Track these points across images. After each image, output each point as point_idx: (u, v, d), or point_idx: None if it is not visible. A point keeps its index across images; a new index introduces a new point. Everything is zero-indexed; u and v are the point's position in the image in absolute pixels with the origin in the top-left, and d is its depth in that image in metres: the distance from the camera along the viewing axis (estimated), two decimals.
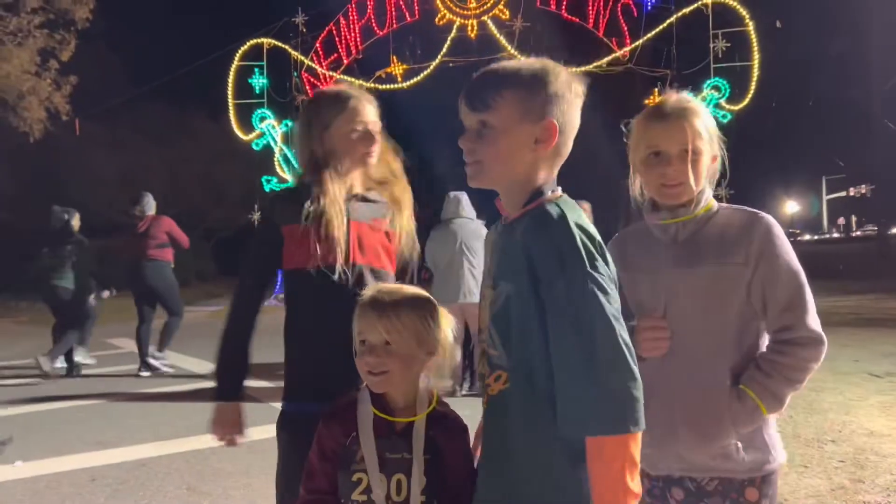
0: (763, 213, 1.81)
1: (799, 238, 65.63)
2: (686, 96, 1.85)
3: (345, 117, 2.15)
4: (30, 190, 25.20)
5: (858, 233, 65.53)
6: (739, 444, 1.75)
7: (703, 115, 1.81)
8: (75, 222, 8.25)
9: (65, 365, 8.13)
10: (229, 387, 2.14)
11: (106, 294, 8.28)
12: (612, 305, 1.36)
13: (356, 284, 2.04)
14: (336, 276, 2.04)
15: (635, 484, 1.32)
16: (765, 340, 1.83)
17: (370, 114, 2.19)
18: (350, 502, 1.62)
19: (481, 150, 1.51)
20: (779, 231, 1.79)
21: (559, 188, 1.54)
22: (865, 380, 6.68)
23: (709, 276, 1.76)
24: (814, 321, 1.76)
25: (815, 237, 67.02)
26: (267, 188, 16.08)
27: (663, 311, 1.80)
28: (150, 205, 8.30)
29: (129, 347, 8.74)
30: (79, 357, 8.33)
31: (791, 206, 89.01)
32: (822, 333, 1.77)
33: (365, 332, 1.65)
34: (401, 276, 2.28)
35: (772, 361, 1.75)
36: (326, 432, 1.67)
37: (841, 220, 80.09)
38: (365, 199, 2.22)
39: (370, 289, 1.74)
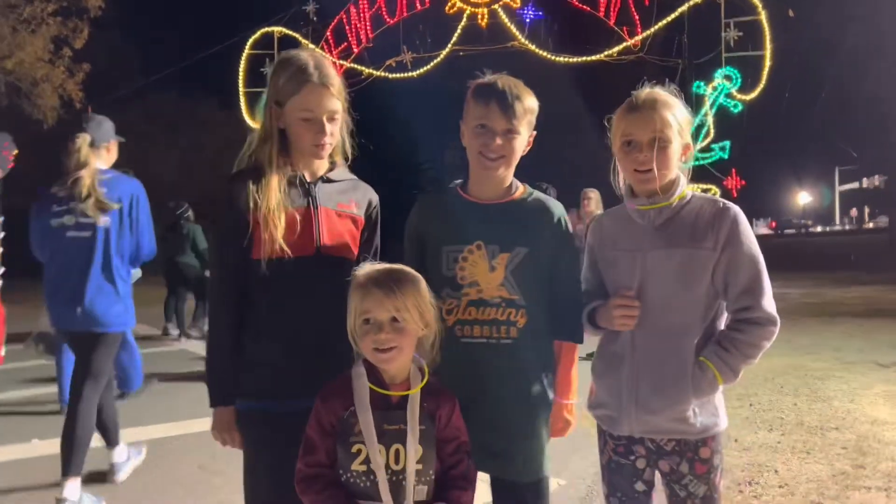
0: (731, 204, 2.01)
1: (811, 230, 65.17)
2: (658, 89, 2.01)
3: (298, 101, 1.98)
4: (45, 177, 25.42)
5: (871, 224, 65.00)
6: (696, 410, 1.96)
7: (674, 106, 1.98)
8: (190, 213, 9.83)
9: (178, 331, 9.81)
10: (220, 393, 2.03)
11: None
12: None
13: (322, 276, 2.00)
14: (293, 267, 1.96)
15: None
16: (723, 320, 2.02)
17: (329, 103, 2.00)
18: (350, 472, 1.68)
19: (508, 148, 2.02)
20: (744, 220, 1.97)
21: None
22: (871, 369, 6.71)
23: (683, 258, 1.94)
24: (769, 304, 1.94)
25: (827, 229, 66.50)
26: None
27: (637, 288, 1.98)
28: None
29: (142, 331, 8.87)
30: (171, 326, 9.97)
31: (803, 198, 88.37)
32: (776, 315, 1.95)
33: (372, 311, 1.71)
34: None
35: (731, 338, 1.95)
36: (324, 408, 1.73)
37: (853, 212, 79.47)
38: (329, 181, 2.12)
39: (364, 269, 1.77)
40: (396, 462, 1.69)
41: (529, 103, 2.04)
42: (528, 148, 2.11)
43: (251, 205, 1.96)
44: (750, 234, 1.96)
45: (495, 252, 2.02)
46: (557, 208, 2.15)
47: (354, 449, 1.68)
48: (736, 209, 1.98)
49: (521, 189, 2.14)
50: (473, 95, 2.05)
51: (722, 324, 2.03)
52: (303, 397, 1.91)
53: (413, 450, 1.69)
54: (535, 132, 2.10)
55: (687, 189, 2.04)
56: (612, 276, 2.08)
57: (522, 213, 2.10)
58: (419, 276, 1.79)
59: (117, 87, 22.42)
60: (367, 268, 1.78)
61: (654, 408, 1.96)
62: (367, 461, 1.68)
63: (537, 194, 2.16)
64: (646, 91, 2.01)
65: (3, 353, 5.40)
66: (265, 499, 1.98)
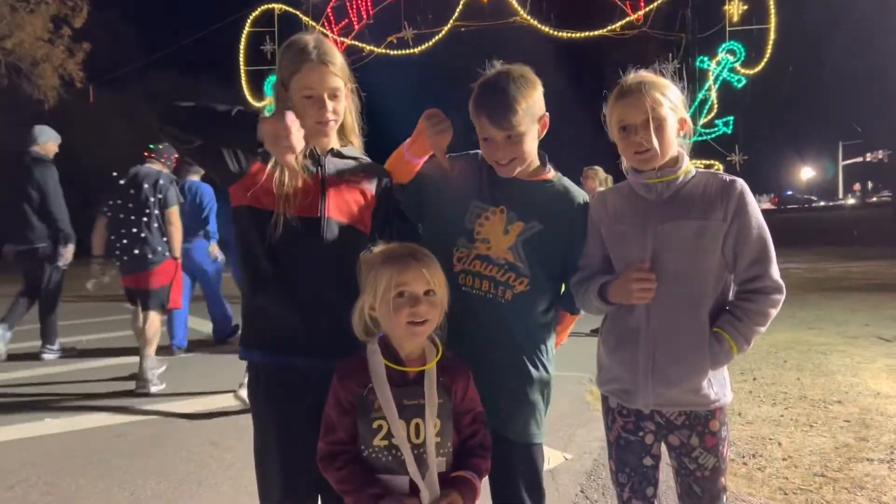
0: (737, 178, 2.03)
1: (814, 205, 64.88)
2: (643, 72, 2.06)
3: (300, 79, 2.02)
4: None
5: (874, 199, 64.73)
6: (710, 380, 2.01)
7: (663, 85, 2.01)
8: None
9: None
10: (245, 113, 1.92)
11: None
12: None
13: (326, 239, 2.03)
14: (298, 227, 1.99)
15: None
16: (730, 291, 2.07)
17: (329, 80, 2.03)
18: (371, 448, 1.71)
19: (518, 150, 2.09)
20: (750, 193, 2.02)
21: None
22: (874, 343, 6.75)
23: (694, 229, 1.98)
24: (776, 273, 2.00)
25: (830, 203, 66.18)
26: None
27: (650, 262, 2.00)
28: None
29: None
30: None
31: (806, 172, 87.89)
32: (783, 284, 2.00)
33: (410, 283, 1.74)
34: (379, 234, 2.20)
35: (742, 308, 1.99)
36: (342, 387, 1.75)
37: (857, 187, 79.06)
38: (341, 155, 2.15)
39: (389, 246, 1.81)
40: (417, 436, 1.72)
41: (529, 101, 2.04)
42: (545, 131, 2.16)
43: (264, 154, 1.98)
44: (756, 206, 2.01)
45: (513, 219, 2.13)
46: (580, 195, 2.25)
47: (375, 425, 1.71)
48: (742, 182, 2.02)
49: (551, 173, 2.23)
50: (473, 105, 2.09)
51: (730, 296, 2.07)
52: (304, 354, 1.97)
53: (432, 423, 1.72)
54: (546, 114, 2.13)
55: (690, 165, 2.08)
56: (622, 250, 2.09)
57: (547, 194, 2.19)
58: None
59: (117, 67, 22.32)
60: (391, 245, 1.82)
61: (671, 380, 1.99)
62: (388, 436, 1.71)
63: (566, 181, 2.25)
64: (632, 75, 2.06)
65: (181, 304, 6.47)
66: (273, 450, 2.02)
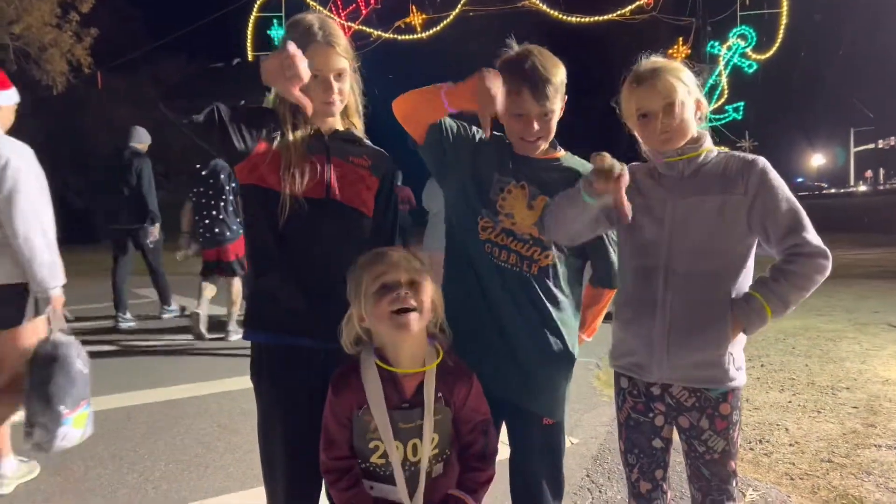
0: (757, 156, 2.04)
1: (824, 192, 64.43)
2: (655, 58, 2.07)
3: (306, 58, 1.94)
4: (55, 142, 25.55)
5: (886, 186, 64.24)
6: (733, 355, 2.00)
7: (675, 69, 2.03)
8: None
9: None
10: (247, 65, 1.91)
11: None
12: None
13: (331, 220, 2.03)
14: (303, 208, 1.99)
15: None
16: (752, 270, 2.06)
17: (334, 61, 2.03)
18: (368, 463, 1.72)
19: (546, 129, 2.12)
20: (773, 170, 2.01)
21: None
22: (884, 330, 6.72)
23: (717, 203, 1.98)
24: (815, 237, 1.96)
25: (841, 190, 65.64)
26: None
27: (669, 235, 2.01)
28: None
29: (154, 297, 8.97)
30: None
31: (817, 159, 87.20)
32: (826, 248, 1.95)
33: (388, 272, 1.70)
34: (380, 220, 2.20)
35: (779, 269, 1.97)
36: (337, 402, 1.73)
37: (868, 174, 78.46)
38: (344, 138, 2.15)
39: (368, 252, 1.79)
40: (414, 455, 1.72)
41: (560, 78, 2.08)
42: (562, 112, 2.17)
43: (269, 134, 2.00)
44: (780, 180, 2.00)
45: (535, 194, 2.13)
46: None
47: (372, 445, 1.71)
48: (763, 160, 2.03)
49: (561, 152, 2.24)
50: (511, 78, 2.01)
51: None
52: (308, 335, 1.97)
53: (429, 442, 1.71)
54: (566, 96, 2.15)
55: (711, 144, 2.09)
56: (642, 222, 2.05)
57: (561, 170, 2.19)
58: None
59: (125, 52, 22.31)
60: (373, 250, 1.80)
61: (687, 353, 1.99)
62: (385, 455, 1.71)
63: (576, 158, 2.26)
64: (644, 62, 2.07)
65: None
66: (277, 430, 2.03)
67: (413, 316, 1.67)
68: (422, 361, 1.75)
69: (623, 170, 1.83)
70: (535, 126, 2.08)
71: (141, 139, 8.34)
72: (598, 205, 1.93)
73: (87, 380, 3.22)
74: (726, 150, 2.15)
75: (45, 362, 3.08)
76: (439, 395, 1.73)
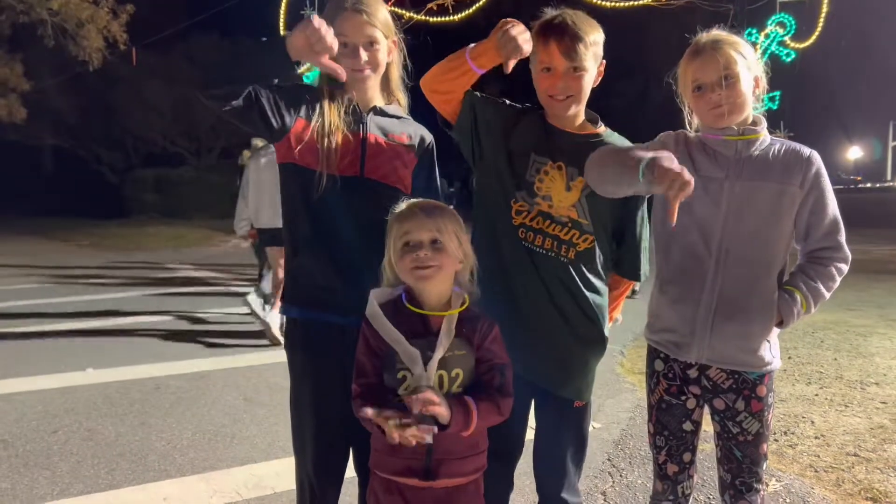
0: (813, 150, 2.03)
1: (860, 186, 63.06)
2: (717, 31, 2.03)
3: (336, 28, 1.93)
4: (89, 118, 25.90)
5: None
6: (771, 342, 2.03)
7: (736, 43, 1.99)
8: None
9: None
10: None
11: None
12: None
13: (365, 198, 2.03)
14: (338, 185, 1.99)
15: None
16: (787, 263, 2.08)
17: (364, 29, 2.00)
18: (397, 396, 1.74)
19: (577, 87, 2.03)
20: (823, 167, 2.03)
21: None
22: None
23: (774, 192, 1.97)
24: (845, 244, 2.04)
25: (878, 185, 64.14)
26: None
27: (724, 216, 1.98)
28: None
29: (183, 272, 9.10)
30: None
31: (854, 152, 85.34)
32: (850, 256, 2.04)
33: (413, 231, 1.76)
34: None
35: (815, 269, 2.03)
36: (371, 332, 1.79)
37: None
38: (384, 114, 2.13)
39: (403, 203, 1.83)
40: (440, 387, 1.74)
41: (593, 37, 2.02)
42: (600, 78, 2.11)
43: (308, 111, 2.01)
44: (829, 180, 2.03)
45: (574, 175, 2.06)
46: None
47: (400, 375, 1.74)
48: (817, 154, 2.03)
49: (602, 128, 2.16)
50: (539, 33, 2.01)
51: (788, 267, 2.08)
52: (341, 313, 1.98)
53: (435, 364, 1.74)
54: (604, 61, 2.08)
55: (766, 130, 2.06)
56: (696, 200, 1.85)
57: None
58: (455, 212, 1.85)
59: (160, 29, 22.49)
60: (406, 201, 1.84)
61: (731, 335, 1.99)
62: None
63: (616, 136, 2.18)
64: (705, 34, 2.04)
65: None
66: (307, 402, 2.07)
67: (430, 272, 1.75)
68: (448, 304, 1.82)
69: (691, 186, 1.67)
70: (561, 81, 2.01)
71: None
72: (648, 189, 1.82)
73: None
74: (781, 135, 2.12)
75: None
76: (463, 331, 1.78)
